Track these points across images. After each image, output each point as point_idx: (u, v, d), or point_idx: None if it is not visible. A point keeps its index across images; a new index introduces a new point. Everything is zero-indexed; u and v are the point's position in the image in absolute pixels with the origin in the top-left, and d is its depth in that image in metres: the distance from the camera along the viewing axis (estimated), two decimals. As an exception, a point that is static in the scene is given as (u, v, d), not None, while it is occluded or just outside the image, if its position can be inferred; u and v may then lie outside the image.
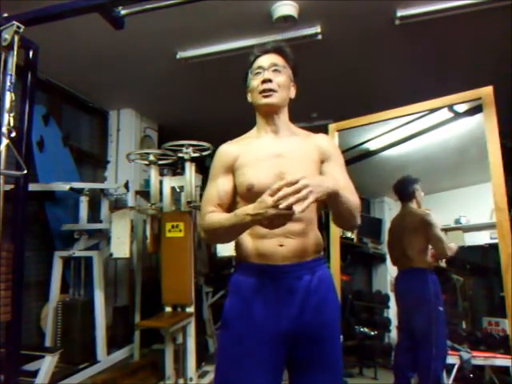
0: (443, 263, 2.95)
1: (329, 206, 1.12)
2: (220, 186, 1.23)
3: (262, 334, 1.12)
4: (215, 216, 1.17)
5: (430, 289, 2.35)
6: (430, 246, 2.46)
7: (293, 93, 1.30)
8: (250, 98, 1.29)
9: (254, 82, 1.24)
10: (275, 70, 1.23)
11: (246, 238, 1.18)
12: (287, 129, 1.28)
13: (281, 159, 1.19)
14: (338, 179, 1.16)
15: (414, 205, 2.57)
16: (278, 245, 1.13)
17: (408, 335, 2.48)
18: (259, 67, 1.24)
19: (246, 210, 1.04)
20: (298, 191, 0.93)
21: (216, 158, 1.28)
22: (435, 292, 2.36)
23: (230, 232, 1.13)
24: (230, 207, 1.24)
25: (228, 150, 1.26)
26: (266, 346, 1.12)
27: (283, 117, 1.27)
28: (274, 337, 1.12)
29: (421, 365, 2.36)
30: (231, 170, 1.23)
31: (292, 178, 0.95)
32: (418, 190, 2.57)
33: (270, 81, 1.20)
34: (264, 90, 1.20)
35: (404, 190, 2.61)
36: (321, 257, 1.23)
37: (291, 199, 0.93)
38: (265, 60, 1.24)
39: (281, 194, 0.94)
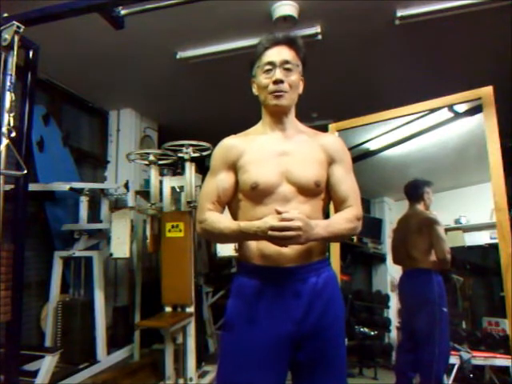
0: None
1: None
2: (220, 182, 1.19)
3: (267, 338, 1.10)
4: (216, 219, 1.16)
5: (434, 289, 2.35)
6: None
7: (301, 88, 1.23)
8: (255, 90, 1.24)
9: (265, 81, 1.17)
10: (287, 69, 1.16)
11: None
12: (294, 127, 1.24)
13: (287, 158, 1.16)
14: (345, 185, 1.20)
15: (421, 206, 2.57)
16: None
17: (410, 335, 2.48)
18: (270, 63, 1.16)
19: (254, 225, 1.05)
20: (289, 229, 1.00)
21: (219, 151, 1.23)
22: (439, 293, 2.36)
23: (230, 240, 1.22)
24: (229, 204, 1.23)
25: (232, 145, 1.21)
26: (271, 349, 1.10)
27: (291, 115, 1.23)
28: (278, 340, 1.10)
29: (423, 366, 2.35)
30: (234, 166, 1.19)
31: (289, 215, 1.01)
32: (429, 193, 2.57)
33: (281, 82, 1.14)
34: (275, 91, 1.15)
35: (413, 192, 2.62)
36: (325, 258, 1.21)
37: (279, 234, 1.00)
38: (276, 54, 1.16)
39: (275, 225, 1.00)
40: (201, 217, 1.20)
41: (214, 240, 1.29)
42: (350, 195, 1.19)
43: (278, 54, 1.16)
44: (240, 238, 1.13)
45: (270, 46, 1.18)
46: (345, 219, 1.15)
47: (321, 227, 1.07)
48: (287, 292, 1.11)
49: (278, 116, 1.21)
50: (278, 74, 1.15)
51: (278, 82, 1.14)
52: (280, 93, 1.15)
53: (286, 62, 1.16)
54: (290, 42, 1.18)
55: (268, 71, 1.17)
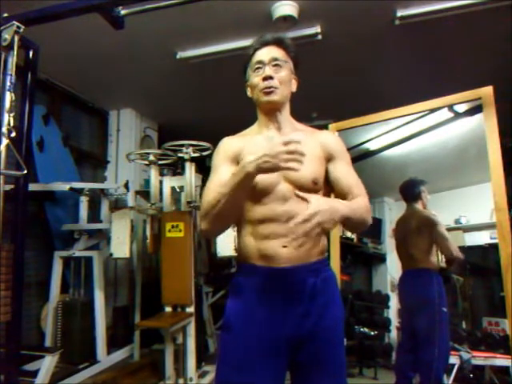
0: (443, 263, 2.95)
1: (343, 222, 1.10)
2: (223, 175, 1.15)
3: (265, 339, 1.10)
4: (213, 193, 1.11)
5: (434, 289, 2.35)
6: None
7: (294, 86, 1.25)
8: (249, 93, 1.25)
9: (255, 79, 1.18)
10: (276, 65, 1.17)
11: (248, 239, 1.15)
12: (290, 124, 1.24)
13: None
14: (348, 177, 1.18)
15: (419, 206, 2.57)
16: (282, 246, 1.09)
17: (410, 335, 2.48)
18: (259, 62, 1.18)
19: (244, 161, 1.02)
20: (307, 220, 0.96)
21: (219, 149, 1.24)
22: (439, 293, 2.36)
23: (230, 199, 1.06)
24: None
25: (231, 142, 1.23)
26: (269, 350, 1.10)
27: (285, 113, 1.23)
28: (277, 341, 1.10)
29: (423, 365, 2.35)
30: (235, 160, 1.18)
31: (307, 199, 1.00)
32: (424, 192, 2.58)
33: (270, 78, 1.15)
34: (265, 88, 1.16)
35: (410, 191, 2.62)
36: (325, 258, 1.20)
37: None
38: (265, 54, 1.18)
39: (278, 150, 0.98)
40: (201, 208, 1.15)
41: (218, 218, 1.13)
42: (358, 185, 1.19)
43: (267, 53, 1.19)
44: (238, 183, 1.03)
45: (259, 46, 1.20)
46: (364, 207, 1.13)
47: (340, 205, 1.04)
48: (286, 293, 1.11)
49: (272, 113, 1.21)
50: (268, 70, 1.17)
51: (267, 78, 1.16)
52: (270, 89, 1.16)
53: (275, 59, 1.18)
54: (279, 42, 1.21)
55: (258, 69, 1.19)
